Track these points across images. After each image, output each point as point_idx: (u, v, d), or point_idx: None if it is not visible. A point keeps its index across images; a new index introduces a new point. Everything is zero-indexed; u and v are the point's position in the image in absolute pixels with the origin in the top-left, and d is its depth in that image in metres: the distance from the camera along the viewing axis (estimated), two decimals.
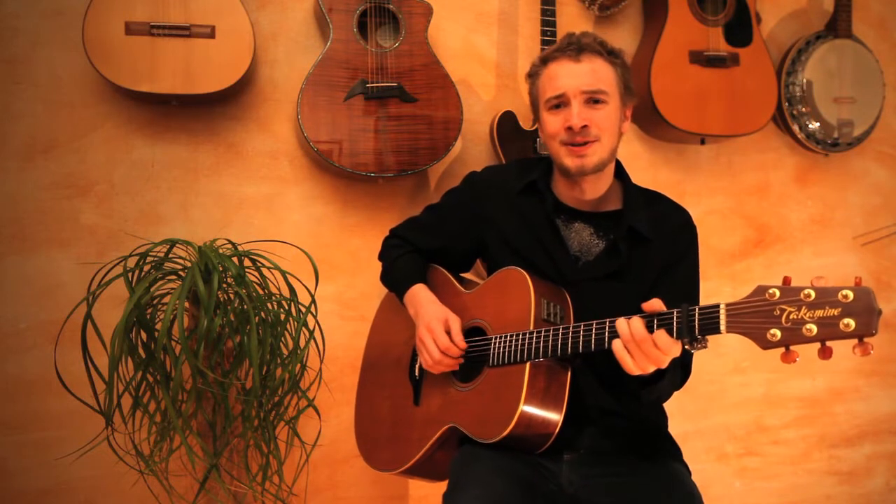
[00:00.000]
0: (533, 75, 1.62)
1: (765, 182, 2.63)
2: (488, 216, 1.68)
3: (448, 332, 1.56)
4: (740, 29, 2.37)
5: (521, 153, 2.20)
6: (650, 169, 2.50)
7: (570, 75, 1.53)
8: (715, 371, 2.57)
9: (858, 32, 2.55)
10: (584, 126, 1.51)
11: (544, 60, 1.59)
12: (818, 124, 2.50)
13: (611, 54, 1.56)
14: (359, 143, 2.04)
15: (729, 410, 2.60)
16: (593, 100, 1.53)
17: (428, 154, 2.09)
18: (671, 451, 1.60)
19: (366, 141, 2.05)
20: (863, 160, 2.72)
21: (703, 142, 2.42)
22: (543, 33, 2.19)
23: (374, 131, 2.06)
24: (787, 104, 2.49)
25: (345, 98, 2.04)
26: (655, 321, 1.29)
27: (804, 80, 2.49)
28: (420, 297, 1.66)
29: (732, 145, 2.58)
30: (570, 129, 1.52)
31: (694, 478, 1.51)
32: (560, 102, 1.54)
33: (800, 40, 2.52)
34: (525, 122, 2.23)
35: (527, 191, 1.65)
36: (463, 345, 1.55)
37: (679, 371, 1.49)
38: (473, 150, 2.33)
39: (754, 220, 2.62)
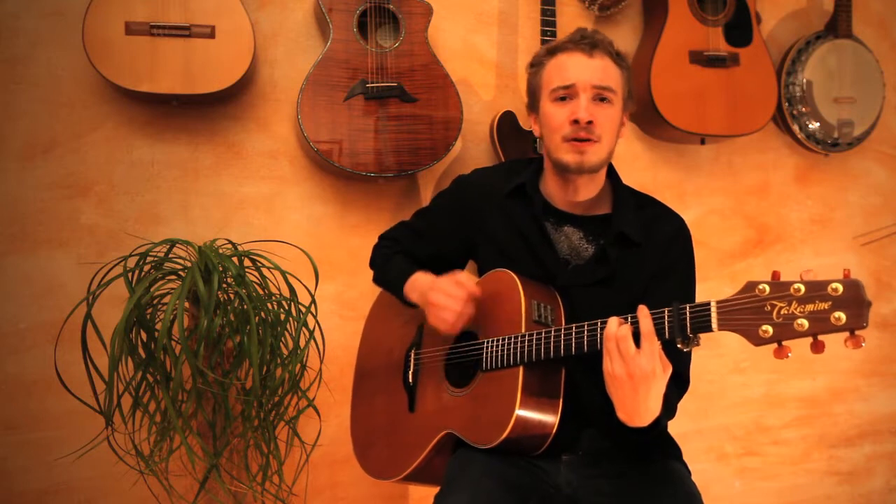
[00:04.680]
0: (536, 65, 1.58)
1: (765, 182, 2.63)
2: (477, 219, 1.65)
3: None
4: (740, 29, 2.37)
5: (521, 153, 2.20)
6: (650, 169, 2.50)
7: (583, 68, 1.50)
8: (715, 371, 2.57)
9: (858, 32, 2.55)
10: (590, 122, 1.48)
11: (552, 51, 1.55)
12: (818, 124, 2.50)
13: (618, 57, 1.54)
14: (359, 143, 2.04)
15: (729, 410, 2.60)
16: (601, 97, 1.50)
17: (428, 154, 2.09)
18: (671, 450, 1.59)
19: (366, 141, 2.05)
20: (863, 160, 2.72)
21: (703, 142, 2.42)
22: (543, 33, 2.20)
23: (374, 131, 2.06)
24: (787, 104, 2.49)
25: (345, 98, 2.04)
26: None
27: (804, 80, 2.49)
28: (423, 280, 1.63)
29: (732, 145, 2.58)
30: (575, 122, 1.48)
31: (694, 478, 1.51)
32: (567, 94, 1.50)
33: (800, 40, 2.52)
34: (525, 122, 2.22)
35: (515, 193, 1.62)
36: (476, 290, 1.52)
37: (674, 387, 1.45)
38: (473, 150, 2.33)
39: (754, 220, 2.62)
